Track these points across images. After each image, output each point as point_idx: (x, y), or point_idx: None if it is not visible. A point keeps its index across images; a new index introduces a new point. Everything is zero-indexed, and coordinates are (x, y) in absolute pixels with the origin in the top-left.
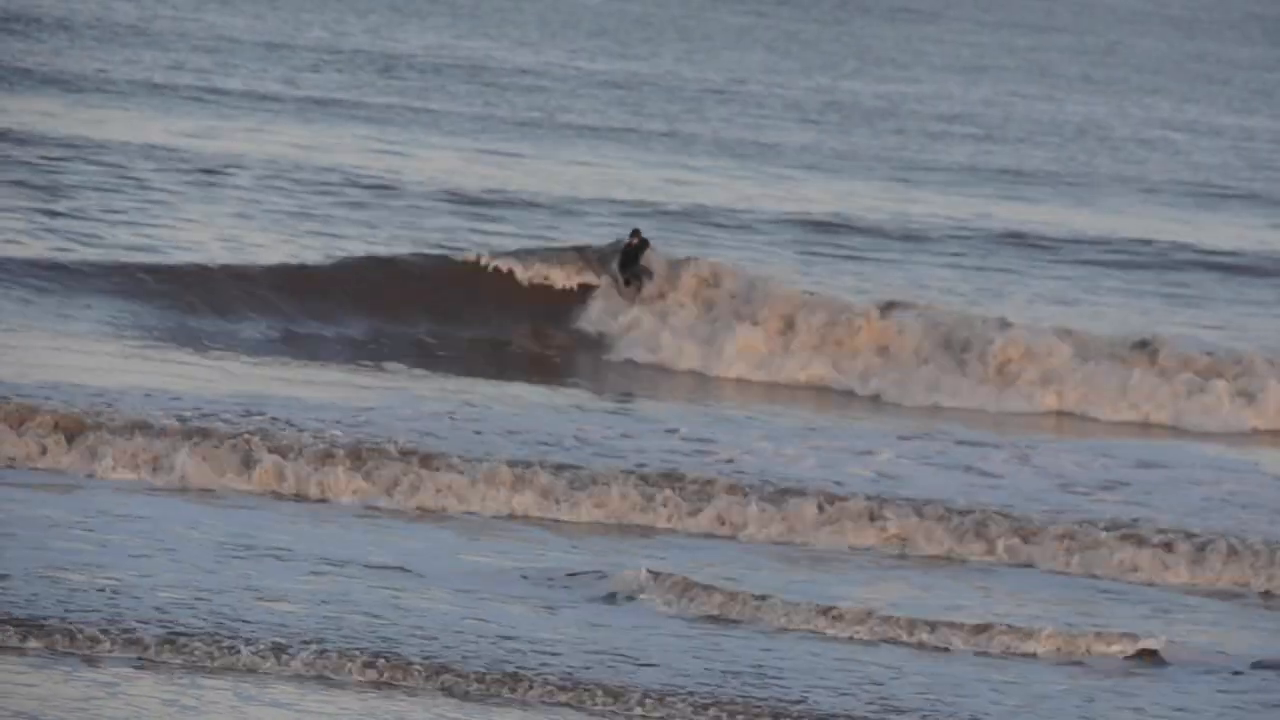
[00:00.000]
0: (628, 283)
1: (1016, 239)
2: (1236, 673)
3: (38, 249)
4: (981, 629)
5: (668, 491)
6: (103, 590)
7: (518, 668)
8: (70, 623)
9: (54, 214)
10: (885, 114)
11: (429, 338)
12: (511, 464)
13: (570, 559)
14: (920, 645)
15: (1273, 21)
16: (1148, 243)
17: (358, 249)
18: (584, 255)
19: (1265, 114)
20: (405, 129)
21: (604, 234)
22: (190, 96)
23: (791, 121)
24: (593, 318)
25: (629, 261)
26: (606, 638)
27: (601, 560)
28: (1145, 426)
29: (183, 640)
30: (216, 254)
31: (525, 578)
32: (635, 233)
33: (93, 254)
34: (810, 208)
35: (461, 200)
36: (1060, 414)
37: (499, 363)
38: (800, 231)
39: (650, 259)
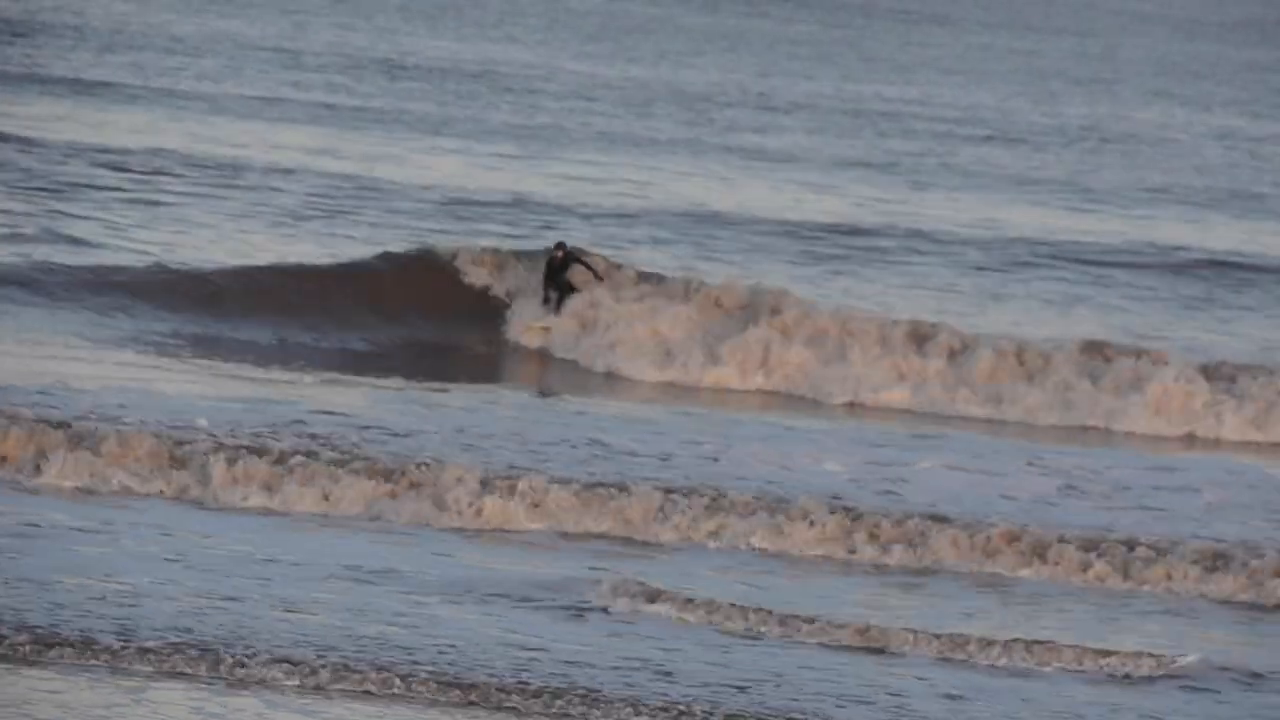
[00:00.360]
0: (546, 300)
1: (1022, 243)
2: (1256, 678)
3: (48, 254)
4: (1007, 642)
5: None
6: (117, 598)
7: (528, 677)
8: (89, 632)
9: (60, 216)
10: (889, 116)
11: (359, 341)
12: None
13: (571, 568)
14: (942, 658)
15: (1273, 25)
16: (1154, 245)
17: (346, 251)
18: (517, 258)
19: (1269, 118)
20: (409, 132)
21: (601, 237)
22: (198, 100)
23: (795, 124)
24: (514, 325)
25: (554, 276)
26: (628, 647)
27: (615, 570)
28: (1083, 430)
29: (202, 649)
30: (216, 256)
31: (535, 585)
32: (560, 245)
33: (94, 258)
34: (815, 211)
35: (464, 203)
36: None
37: (435, 367)
38: (803, 234)
39: (576, 274)
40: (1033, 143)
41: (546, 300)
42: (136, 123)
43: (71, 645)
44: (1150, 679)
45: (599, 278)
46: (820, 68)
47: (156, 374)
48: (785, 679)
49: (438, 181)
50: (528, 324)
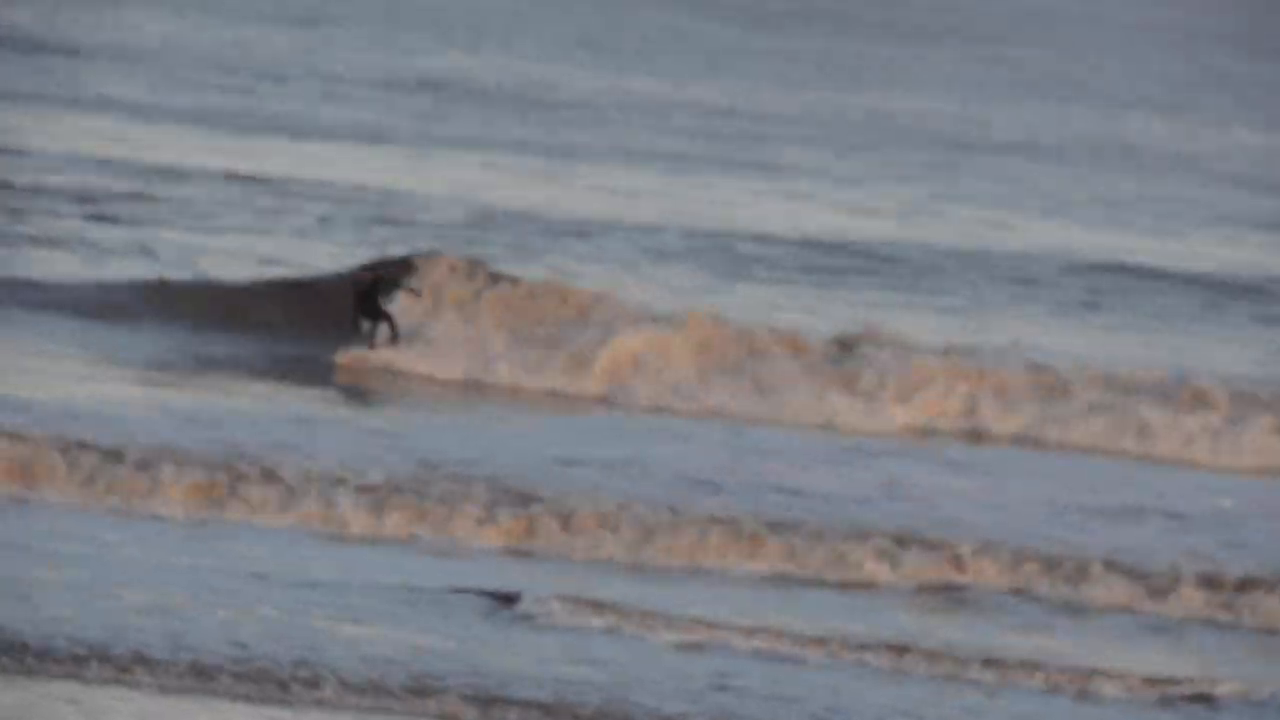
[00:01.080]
0: (360, 329)
1: (1028, 258)
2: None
3: (66, 267)
4: (1034, 665)
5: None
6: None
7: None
8: (140, 650)
9: (69, 228)
10: (892, 130)
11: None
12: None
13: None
14: (965, 680)
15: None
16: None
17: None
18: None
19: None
20: (428, 145)
21: (604, 251)
22: (208, 116)
23: (800, 140)
24: (339, 353)
25: (367, 302)
26: (691, 667)
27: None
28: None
29: (261, 669)
30: (235, 270)
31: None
32: (372, 268)
33: (101, 271)
34: (822, 228)
35: (479, 215)
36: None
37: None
38: (805, 250)
39: (388, 303)
40: (1046, 156)
41: (360, 330)
42: (148, 138)
43: (121, 660)
44: (1190, 703)
45: (416, 293)
46: (829, 81)
47: (153, 389)
48: (835, 706)
49: (454, 195)
50: (344, 354)
